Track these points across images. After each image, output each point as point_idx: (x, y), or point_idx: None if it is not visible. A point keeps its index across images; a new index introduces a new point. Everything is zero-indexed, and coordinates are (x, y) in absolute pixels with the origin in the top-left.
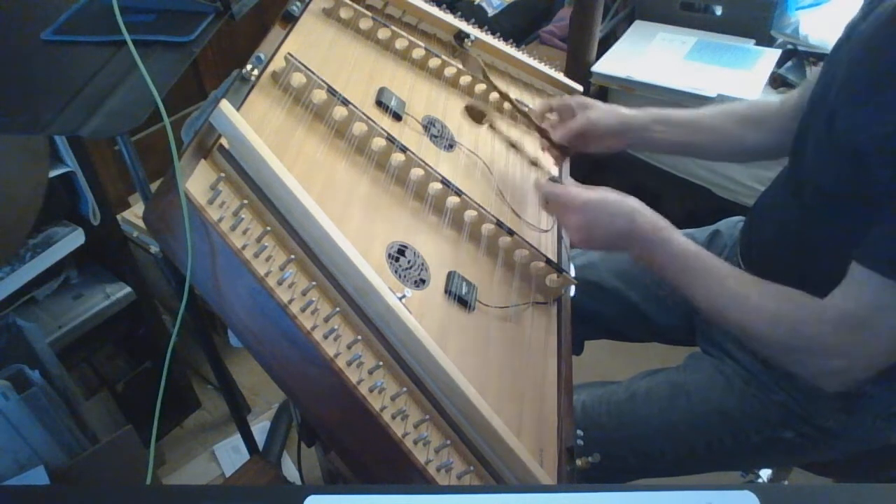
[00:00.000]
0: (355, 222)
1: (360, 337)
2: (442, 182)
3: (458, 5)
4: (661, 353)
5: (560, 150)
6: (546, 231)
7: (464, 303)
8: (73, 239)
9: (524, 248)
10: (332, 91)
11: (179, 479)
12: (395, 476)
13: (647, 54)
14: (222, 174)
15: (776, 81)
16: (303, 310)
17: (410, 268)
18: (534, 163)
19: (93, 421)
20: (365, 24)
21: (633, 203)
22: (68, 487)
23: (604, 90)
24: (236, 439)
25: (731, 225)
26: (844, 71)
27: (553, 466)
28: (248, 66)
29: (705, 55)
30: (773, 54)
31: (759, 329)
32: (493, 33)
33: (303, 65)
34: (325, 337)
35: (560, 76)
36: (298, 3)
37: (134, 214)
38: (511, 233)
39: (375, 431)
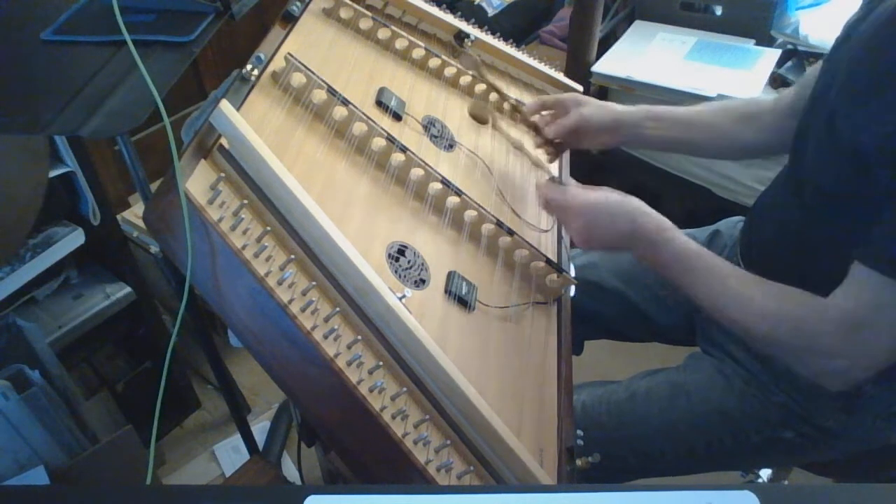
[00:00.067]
0: (355, 222)
1: (360, 337)
2: (442, 182)
3: (458, 5)
4: (661, 353)
5: (554, 147)
6: (546, 231)
7: (464, 303)
8: (73, 239)
9: (524, 248)
10: (332, 91)
11: (179, 479)
12: (395, 476)
13: (647, 54)
14: (222, 174)
15: (776, 81)
16: (303, 310)
17: (410, 268)
18: (535, 164)
19: (93, 421)
20: (365, 24)
21: (634, 203)
22: (68, 487)
23: (604, 90)
24: (236, 439)
25: (731, 225)
26: (844, 71)
27: (553, 466)
28: (248, 66)
29: (705, 55)
30: (773, 54)
31: (762, 329)
32: (493, 33)
33: (303, 65)
34: (325, 337)
35: (560, 76)
36: (298, 3)
37: (134, 214)
38: (511, 233)
39: (375, 431)
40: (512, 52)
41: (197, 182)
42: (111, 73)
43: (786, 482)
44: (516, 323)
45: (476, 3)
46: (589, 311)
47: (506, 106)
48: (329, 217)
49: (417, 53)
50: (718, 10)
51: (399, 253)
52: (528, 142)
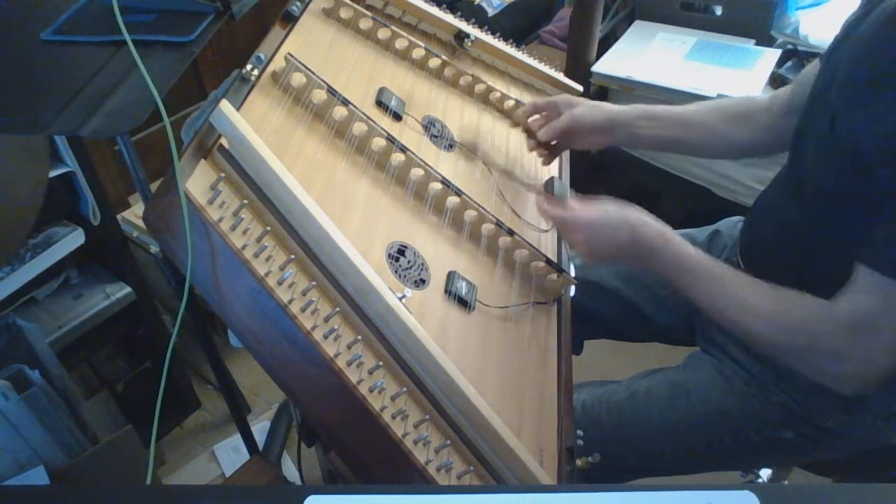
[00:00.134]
0: (355, 222)
1: (360, 337)
2: (442, 182)
3: (458, 5)
4: (661, 353)
5: (548, 150)
6: (546, 231)
7: (464, 303)
8: (73, 239)
9: (524, 248)
10: (332, 91)
11: (179, 479)
12: (395, 476)
13: (647, 54)
14: (222, 174)
15: (776, 81)
16: (303, 310)
17: (410, 268)
18: (527, 188)
19: (93, 421)
20: (365, 24)
21: (633, 214)
22: (68, 487)
23: (604, 90)
24: (236, 439)
25: (731, 225)
26: (844, 71)
27: (553, 466)
28: (248, 66)
29: (705, 55)
30: (773, 54)
31: (765, 333)
32: (493, 33)
33: (303, 65)
34: (325, 337)
35: (560, 76)
36: (298, 3)
37: (134, 214)
38: (511, 233)
39: (375, 431)
40: (512, 52)
41: (197, 182)
42: (111, 73)
43: (786, 482)
44: (516, 323)
45: (476, 3)
46: (589, 310)
47: (507, 105)
48: (329, 217)
49: (417, 53)
50: (718, 10)
51: (399, 253)
52: (518, 169)
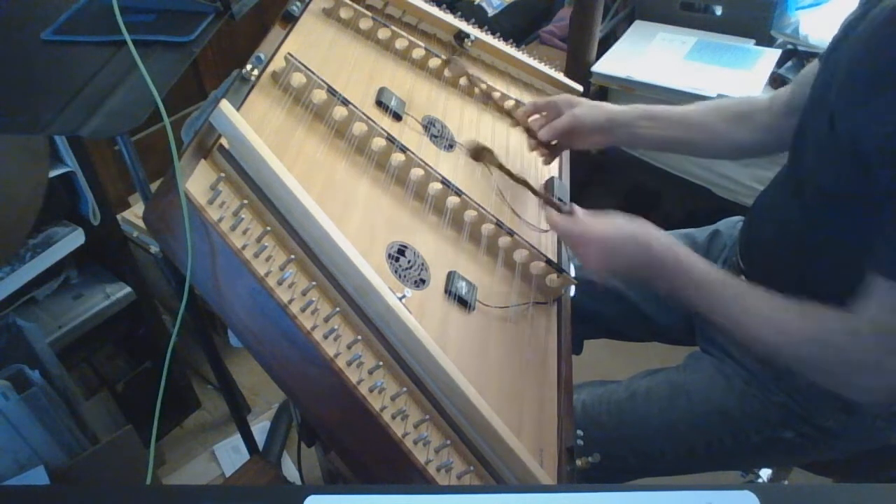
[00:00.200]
0: (355, 222)
1: (360, 337)
2: (442, 182)
3: (458, 5)
4: (661, 353)
5: (549, 150)
6: (546, 231)
7: (464, 303)
8: (73, 239)
9: (524, 248)
10: (332, 91)
11: (179, 479)
12: (395, 476)
13: (647, 54)
14: (222, 174)
15: (776, 81)
16: (303, 310)
17: (410, 268)
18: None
19: (93, 421)
20: (365, 24)
21: (646, 231)
22: (68, 487)
23: (604, 90)
24: (236, 439)
25: (731, 225)
26: (844, 70)
27: (553, 466)
28: (248, 66)
29: (705, 55)
30: (773, 54)
31: (802, 353)
32: (493, 33)
33: (303, 65)
34: (325, 337)
35: (560, 76)
36: (298, 3)
37: (134, 214)
38: (511, 233)
39: (375, 431)
40: (512, 52)
41: (197, 182)
42: (111, 73)
43: (786, 482)
44: (516, 323)
45: (476, 3)
46: (589, 310)
47: (507, 105)
48: (329, 217)
49: (417, 53)
50: (718, 10)
51: (399, 253)
52: (518, 168)
